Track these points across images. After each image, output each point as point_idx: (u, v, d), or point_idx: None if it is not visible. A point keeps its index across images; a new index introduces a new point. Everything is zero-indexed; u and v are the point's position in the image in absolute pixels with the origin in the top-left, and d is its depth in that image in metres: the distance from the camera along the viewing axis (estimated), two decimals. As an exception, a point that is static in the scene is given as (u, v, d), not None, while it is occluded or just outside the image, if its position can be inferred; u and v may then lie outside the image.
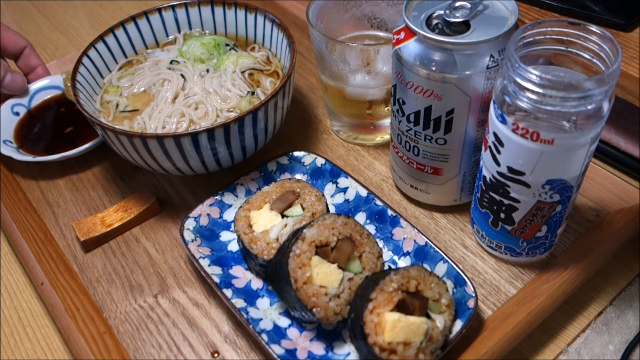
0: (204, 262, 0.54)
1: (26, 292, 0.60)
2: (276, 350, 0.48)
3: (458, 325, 0.49)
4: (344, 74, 0.62)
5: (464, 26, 0.49)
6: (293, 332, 0.51)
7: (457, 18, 0.49)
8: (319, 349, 0.50)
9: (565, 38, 0.45)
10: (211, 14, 0.72)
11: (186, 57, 0.69)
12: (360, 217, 0.59)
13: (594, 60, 0.44)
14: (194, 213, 0.58)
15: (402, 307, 0.46)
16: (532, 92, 0.42)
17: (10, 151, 0.67)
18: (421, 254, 0.54)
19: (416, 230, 0.55)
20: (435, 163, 0.56)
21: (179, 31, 0.73)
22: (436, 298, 0.48)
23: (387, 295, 0.46)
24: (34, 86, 0.74)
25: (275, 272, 0.51)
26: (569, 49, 0.45)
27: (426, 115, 0.52)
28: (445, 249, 0.58)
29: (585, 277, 0.55)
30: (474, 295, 0.50)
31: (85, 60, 0.65)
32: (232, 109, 0.63)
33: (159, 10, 0.71)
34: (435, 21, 0.50)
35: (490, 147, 0.48)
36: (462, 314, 0.49)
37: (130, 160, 0.61)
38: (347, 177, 0.61)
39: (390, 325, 0.45)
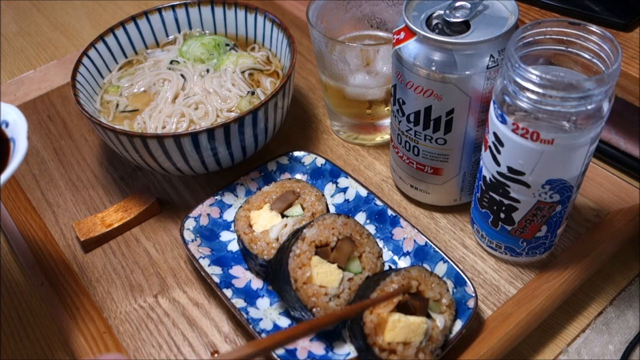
0: (204, 262, 0.54)
1: (26, 292, 0.60)
2: (276, 350, 0.48)
3: (458, 325, 0.49)
4: (344, 74, 0.62)
5: (464, 26, 0.49)
6: (293, 332, 0.51)
7: (457, 18, 0.49)
8: (319, 349, 0.50)
9: (565, 38, 0.45)
10: (211, 14, 0.72)
11: (186, 57, 0.69)
12: (360, 217, 0.59)
13: (594, 60, 0.44)
14: (194, 213, 0.58)
15: (402, 308, 0.46)
16: (532, 92, 0.42)
17: None
18: (421, 254, 0.54)
19: (416, 230, 0.55)
20: (435, 163, 0.56)
21: (179, 31, 0.73)
22: (437, 298, 0.48)
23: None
24: None
25: (275, 272, 0.51)
26: (569, 49, 0.45)
27: (426, 115, 0.52)
28: (445, 249, 0.58)
29: (585, 277, 0.55)
30: (474, 295, 0.50)
31: (85, 60, 0.65)
32: (232, 109, 0.63)
33: (159, 10, 0.71)
34: (435, 21, 0.50)
35: (490, 147, 0.48)
36: (462, 313, 0.49)
37: (130, 160, 0.61)
38: (347, 177, 0.61)
39: (390, 325, 0.45)
